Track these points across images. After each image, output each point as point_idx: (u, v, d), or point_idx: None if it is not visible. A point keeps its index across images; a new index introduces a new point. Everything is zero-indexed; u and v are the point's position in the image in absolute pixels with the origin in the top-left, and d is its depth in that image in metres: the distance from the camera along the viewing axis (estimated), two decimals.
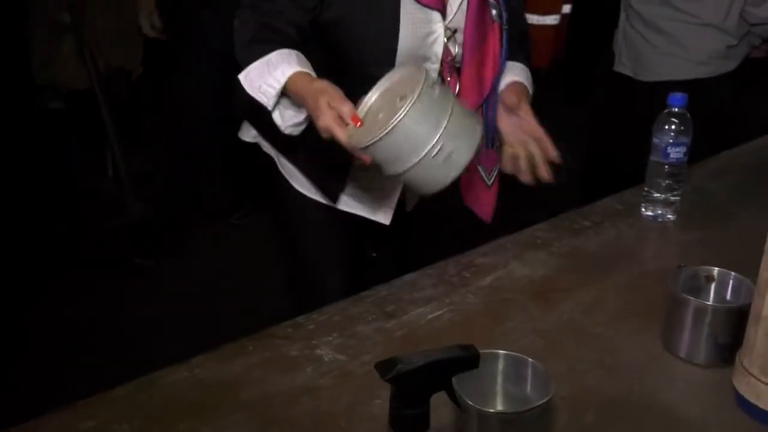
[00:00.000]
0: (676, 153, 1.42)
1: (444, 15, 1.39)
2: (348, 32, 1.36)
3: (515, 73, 1.49)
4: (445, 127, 1.07)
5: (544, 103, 1.53)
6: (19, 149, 3.65)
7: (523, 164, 1.37)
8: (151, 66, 3.47)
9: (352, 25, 1.35)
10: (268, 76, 1.28)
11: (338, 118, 1.13)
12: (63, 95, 3.26)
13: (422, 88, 1.06)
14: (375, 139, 1.06)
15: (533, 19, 4.69)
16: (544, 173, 1.34)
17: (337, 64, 1.37)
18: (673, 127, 1.41)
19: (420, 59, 1.39)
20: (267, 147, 1.60)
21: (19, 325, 2.52)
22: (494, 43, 1.43)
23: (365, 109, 1.17)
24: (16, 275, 2.80)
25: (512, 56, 1.49)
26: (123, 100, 3.44)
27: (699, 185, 1.64)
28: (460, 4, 1.41)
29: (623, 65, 2.26)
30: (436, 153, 1.08)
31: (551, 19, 4.70)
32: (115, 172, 3.38)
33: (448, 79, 1.42)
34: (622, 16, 2.29)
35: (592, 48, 4.26)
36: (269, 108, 1.30)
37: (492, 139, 1.50)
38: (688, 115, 1.41)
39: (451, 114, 1.08)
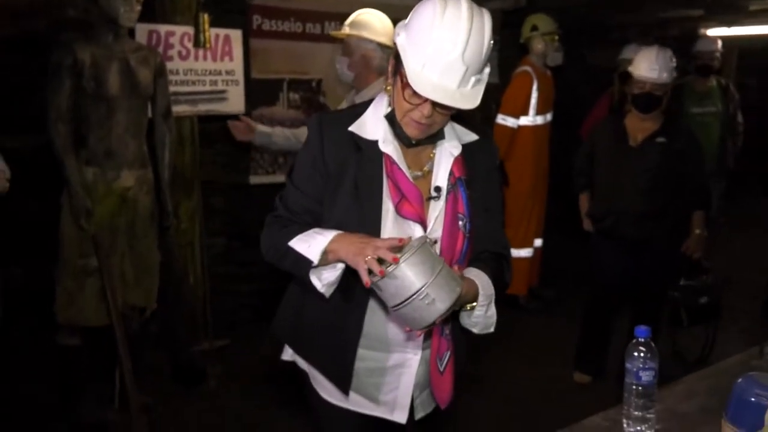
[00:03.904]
0: (646, 376, 1.67)
1: (425, 227, 1.66)
2: None
3: (473, 274, 1.63)
4: (434, 279, 1.41)
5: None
6: (30, 385, 3.79)
7: None
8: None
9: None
10: (312, 239, 1.58)
11: (374, 261, 1.43)
12: (79, 332, 3.46)
13: (421, 245, 1.43)
14: (387, 274, 1.42)
15: None
16: None
17: None
18: (641, 355, 1.68)
19: None
20: (302, 363, 1.88)
21: None
22: (458, 249, 1.67)
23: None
24: None
25: (475, 264, 1.67)
26: (133, 333, 3.65)
27: (670, 406, 1.83)
28: (437, 216, 1.67)
29: None
30: (423, 297, 1.41)
31: (525, 252, 5.16)
32: (121, 401, 3.49)
33: None
34: None
35: None
36: (315, 262, 1.56)
37: (442, 327, 1.70)
38: (653, 344, 1.69)
39: (439, 271, 1.44)
